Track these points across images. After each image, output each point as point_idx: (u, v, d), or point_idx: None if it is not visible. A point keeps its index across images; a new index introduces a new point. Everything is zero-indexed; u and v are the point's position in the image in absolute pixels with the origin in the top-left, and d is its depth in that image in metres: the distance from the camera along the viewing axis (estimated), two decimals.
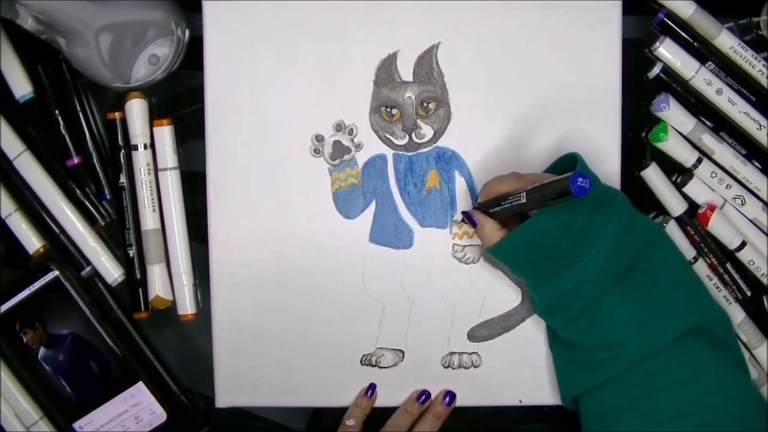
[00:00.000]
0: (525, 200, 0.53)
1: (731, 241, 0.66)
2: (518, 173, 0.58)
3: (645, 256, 0.56)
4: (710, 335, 0.57)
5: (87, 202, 0.67)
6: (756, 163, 0.66)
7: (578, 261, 0.55)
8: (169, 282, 0.66)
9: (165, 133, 0.65)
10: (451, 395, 0.65)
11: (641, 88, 0.66)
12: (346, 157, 0.64)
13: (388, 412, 0.65)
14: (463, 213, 0.62)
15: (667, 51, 0.64)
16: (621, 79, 0.64)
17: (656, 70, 0.65)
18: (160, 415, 0.67)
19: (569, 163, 0.59)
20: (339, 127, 0.63)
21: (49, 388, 0.66)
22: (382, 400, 0.66)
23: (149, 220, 0.66)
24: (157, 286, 0.66)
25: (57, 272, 0.65)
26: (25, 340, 0.65)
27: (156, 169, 0.66)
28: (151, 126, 0.65)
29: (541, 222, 0.55)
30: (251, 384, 0.65)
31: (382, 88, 0.63)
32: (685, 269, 0.59)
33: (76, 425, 0.66)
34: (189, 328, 0.69)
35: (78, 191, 0.67)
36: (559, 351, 0.63)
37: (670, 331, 0.55)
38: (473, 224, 0.60)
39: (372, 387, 0.65)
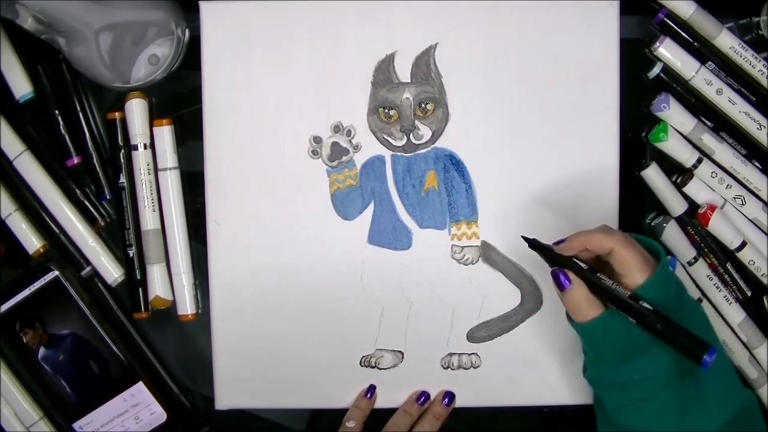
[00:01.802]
0: (633, 312, 0.51)
1: (731, 241, 0.66)
2: (607, 229, 0.55)
3: None
4: (742, 421, 0.55)
5: (87, 202, 0.67)
6: (756, 163, 0.66)
7: (654, 357, 0.52)
8: (169, 282, 0.66)
9: (165, 133, 0.65)
10: (451, 396, 0.65)
11: (641, 88, 0.66)
12: (344, 158, 0.64)
13: (387, 413, 0.65)
14: (553, 273, 0.55)
15: (667, 51, 0.64)
16: (619, 78, 0.63)
17: (656, 70, 0.65)
18: (160, 415, 0.67)
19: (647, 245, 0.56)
20: (337, 129, 0.63)
21: (49, 388, 0.66)
22: (381, 401, 0.66)
23: (149, 220, 0.66)
24: (157, 286, 0.66)
25: (57, 272, 0.65)
26: (25, 340, 0.65)
27: (156, 169, 0.66)
28: (151, 126, 0.65)
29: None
30: (251, 386, 0.65)
31: (379, 89, 0.63)
32: (724, 356, 0.58)
33: (76, 425, 0.66)
34: (189, 328, 0.69)
35: (78, 191, 0.67)
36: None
37: (712, 425, 0.53)
38: (561, 286, 0.54)
39: (371, 388, 0.65)
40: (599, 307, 0.53)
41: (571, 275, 0.54)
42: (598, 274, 0.54)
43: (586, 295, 0.53)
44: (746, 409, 0.56)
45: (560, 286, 0.54)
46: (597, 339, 0.55)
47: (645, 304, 0.51)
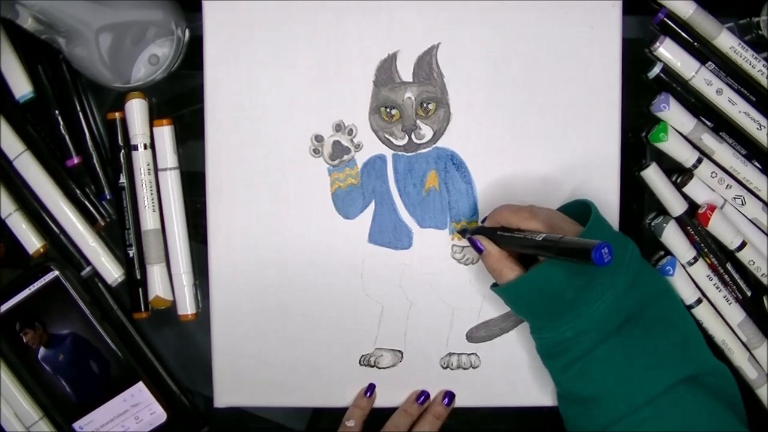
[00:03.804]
0: (539, 248, 0.53)
1: (731, 241, 0.66)
2: (533, 209, 0.57)
3: (646, 309, 0.56)
4: (704, 385, 0.56)
5: (87, 202, 0.67)
6: (756, 163, 0.66)
7: (581, 311, 0.54)
8: (169, 282, 0.66)
9: (165, 133, 0.65)
10: (450, 396, 0.65)
11: (641, 88, 0.66)
12: (345, 157, 0.64)
13: (387, 412, 0.65)
14: (469, 238, 0.60)
15: (667, 51, 0.64)
16: (621, 79, 0.63)
17: (656, 70, 0.65)
18: (160, 415, 0.67)
19: (580, 207, 0.58)
20: (338, 128, 0.63)
21: (49, 388, 0.66)
22: (381, 401, 0.66)
23: (149, 220, 0.66)
24: (157, 286, 0.66)
25: (57, 272, 0.65)
26: (25, 340, 0.65)
27: (156, 169, 0.66)
28: (151, 126, 0.65)
29: (549, 271, 0.54)
30: (250, 384, 0.65)
31: (381, 89, 0.63)
32: (683, 323, 0.59)
33: (76, 425, 0.66)
34: (189, 328, 0.69)
35: (78, 191, 0.67)
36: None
37: (662, 382, 0.55)
38: (478, 250, 0.59)
39: (371, 387, 0.65)
40: (518, 269, 0.57)
41: (484, 240, 0.59)
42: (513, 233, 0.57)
43: (500, 256, 0.57)
44: (711, 374, 0.57)
45: (478, 250, 0.59)
46: (523, 298, 0.57)
47: (536, 237, 0.53)
